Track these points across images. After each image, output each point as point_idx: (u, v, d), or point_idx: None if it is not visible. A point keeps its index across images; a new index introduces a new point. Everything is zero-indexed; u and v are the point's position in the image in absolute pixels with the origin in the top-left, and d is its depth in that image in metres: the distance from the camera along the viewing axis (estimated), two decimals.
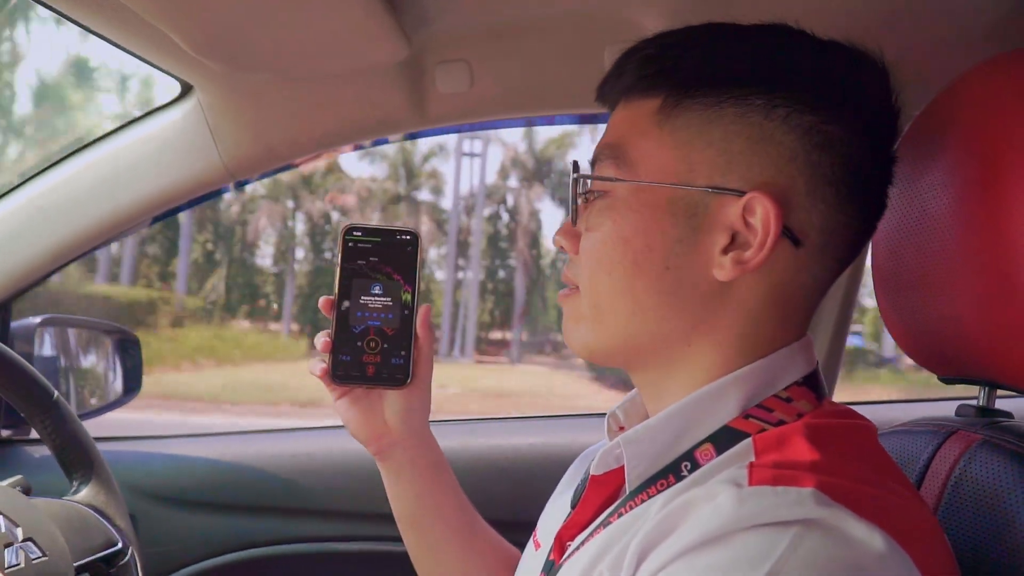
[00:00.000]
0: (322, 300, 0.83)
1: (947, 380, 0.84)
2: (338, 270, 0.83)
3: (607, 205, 0.69)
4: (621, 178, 0.69)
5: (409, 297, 0.84)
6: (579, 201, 0.72)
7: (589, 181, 0.72)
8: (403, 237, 0.84)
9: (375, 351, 0.83)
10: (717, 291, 0.67)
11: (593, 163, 0.73)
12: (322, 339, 0.83)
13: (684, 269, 0.67)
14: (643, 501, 0.65)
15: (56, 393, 1.04)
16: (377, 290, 0.84)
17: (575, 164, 0.71)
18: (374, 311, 0.84)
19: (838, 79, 0.67)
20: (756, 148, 0.65)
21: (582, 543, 0.69)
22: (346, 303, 0.83)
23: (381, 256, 0.84)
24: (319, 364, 0.83)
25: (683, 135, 0.67)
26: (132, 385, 1.61)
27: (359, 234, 0.84)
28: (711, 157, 0.66)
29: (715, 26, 0.71)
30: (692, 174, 0.66)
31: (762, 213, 0.64)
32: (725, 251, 0.66)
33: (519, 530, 0.96)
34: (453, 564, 0.93)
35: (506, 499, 1.38)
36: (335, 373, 0.82)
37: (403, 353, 0.84)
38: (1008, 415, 0.83)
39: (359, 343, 0.83)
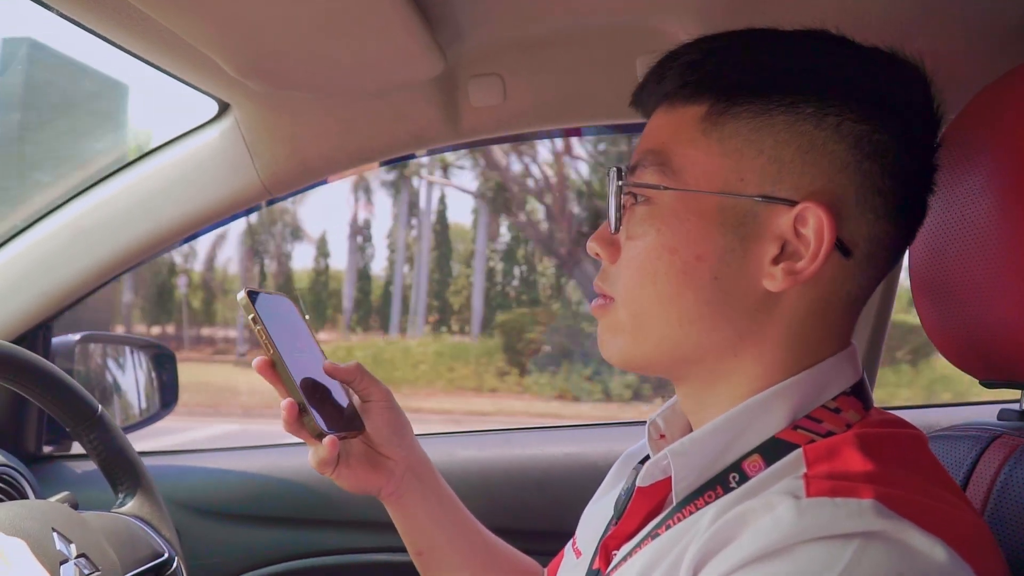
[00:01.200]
0: (256, 362, 0.80)
1: (988, 384, 0.84)
2: (264, 331, 0.80)
3: (651, 213, 0.68)
4: (670, 186, 0.67)
5: (317, 346, 0.86)
6: (620, 208, 0.71)
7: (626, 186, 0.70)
8: (281, 296, 0.86)
9: (330, 400, 0.83)
10: (765, 302, 0.66)
11: (633, 169, 0.71)
12: (286, 402, 0.79)
13: (733, 279, 0.66)
14: (691, 513, 0.65)
15: (100, 408, 1.06)
16: (300, 342, 0.84)
17: (619, 171, 0.70)
18: (312, 362, 0.84)
19: (885, 88, 0.66)
20: (807, 157, 0.64)
21: (630, 553, 0.69)
22: (287, 359, 0.80)
23: (283, 313, 0.84)
24: (303, 430, 0.80)
25: (732, 143, 0.66)
26: (169, 399, 1.63)
27: (259, 296, 0.82)
28: (762, 166, 0.65)
29: (757, 31, 0.70)
30: (742, 183, 0.65)
31: (815, 223, 0.64)
32: (775, 261, 0.65)
33: (556, 540, 0.96)
34: None
35: (542, 509, 1.38)
36: (330, 428, 0.80)
37: (344, 394, 0.85)
38: None
39: (318, 394, 0.81)
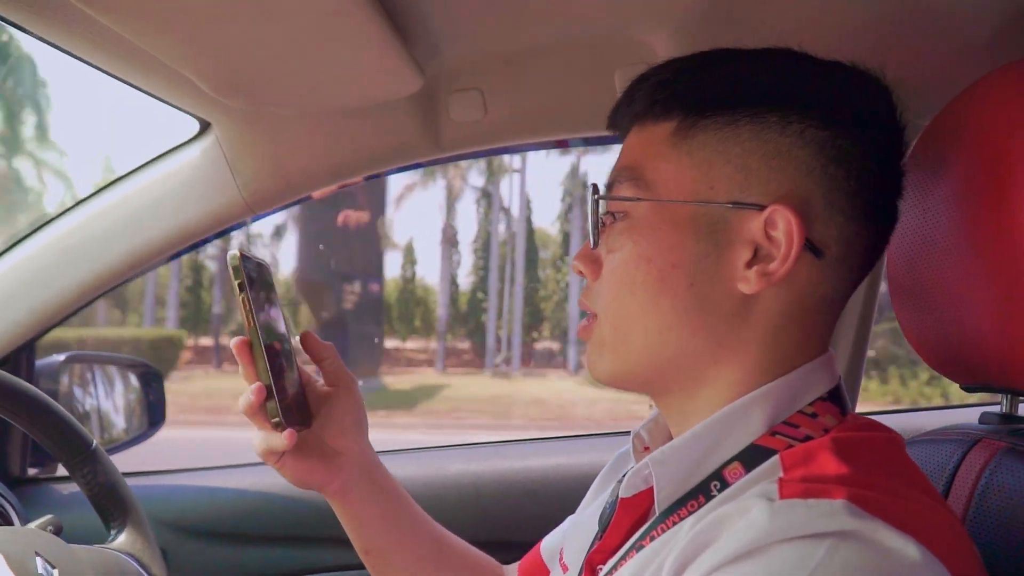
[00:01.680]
0: (235, 341, 0.76)
1: (969, 388, 0.84)
2: (247, 303, 0.74)
3: (628, 226, 0.70)
4: (642, 197, 0.70)
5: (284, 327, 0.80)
6: (599, 225, 0.73)
7: (606, 203, 0.72)
8: (263, 262, 0.79)
9: (296, 385, 0.79)
10: (741, 306, 0.67)
11: (609, 187, 0.73)
12: (256, 385, 0.75)
13: (708, 285, 0.67)
14: (675, 523, 0.66)
15: (95, 442, 1.05)
16: (277, 320, 0.78)
17: (595, 187, 0.72)
18: (281, 343, 0.77)
19: (845, 97, 0.68)
20: (773, 163, 0.66)
21: (615, 567, 0.69)
22: (264, 339, 0.74)
23: (264, 283, 0.78)
24: (261, 415, 0.76)
25: (701, 154, 0.68)
26: (156, 418, 1.62)
27: (249, 261, 0.76)
28: (730, 174, 0.67)
29: (723, 51, 0.72)
30: (712, 191, 0.67)
31: (784, 225, 0.65)
32: (749, 265, 0.67)
33: None
34: None
35: (534, 521, 1.38)
36: (287, 418, 0.75)
37: (299, 385, 0.80)
38: None
39: (282, 381, 0.76)
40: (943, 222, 0.77)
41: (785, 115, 0.66)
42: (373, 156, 1.29)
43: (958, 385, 0.85)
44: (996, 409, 0.85)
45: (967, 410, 1.47)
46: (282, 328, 0.80)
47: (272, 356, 0.75)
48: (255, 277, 0.76)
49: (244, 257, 0.75)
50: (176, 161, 1.30)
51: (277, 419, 0.74)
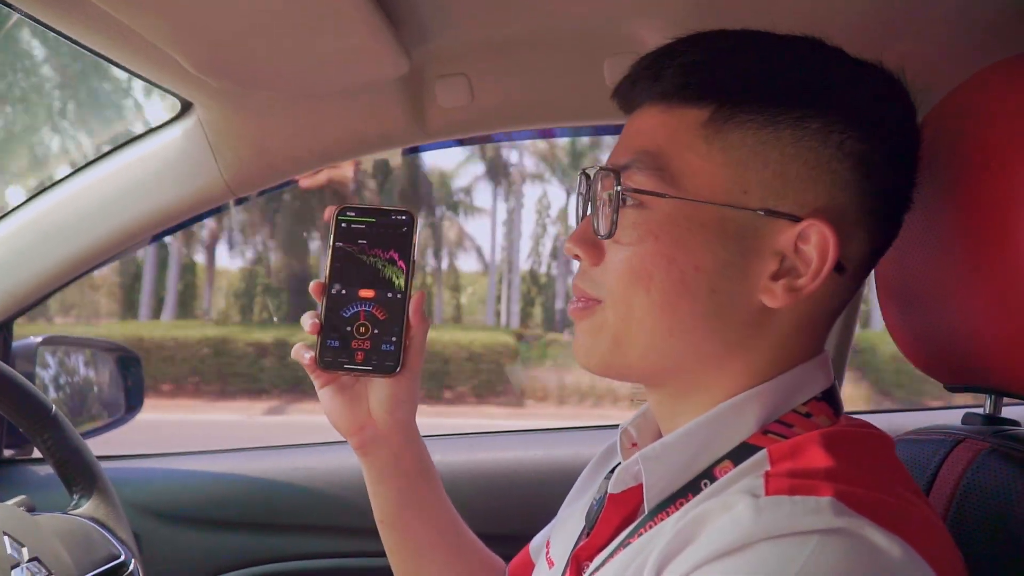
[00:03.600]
0: (313, 284, 0.80)
1: (953, 388, 0.84)
2: (330, 251, 0.80)
3: (646, 218, 0.66)
4: (670, 192, 0.65)
5: (403, 281, 0.80)
6: (607, 208, 0.68)
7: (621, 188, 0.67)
8: (398, 218, 0.81)
9: (364, 336, 0.79)
10: (759, 316, 0.66)
11: (625, 168, 0.68)
12: (310, 320, 0.79)
13: (730, 293, 0.65)
14: (662, 520, 0.65)
15: (54, 408, 1.04)
16: (369, 273, 0.80)
17: (613, 171, 0.67)
18: (365, 295, 0.80)
19: (882, 108, 0.66)
20: (812, 174, 0.64)
21: (603, 563, 0.68)
22: (337, 286, 0.80)
23: (375, 238, 0.80)
24: (305, 350, 0.79)
25: (737, 154, 0.64)
26: (134, 403, 1.61)
27: (352, 214, 0.81)
28: (767, 179, 0.64)
29: (756, 34, 0.69)
30: (746, 195, 0.64)
31: (818, 241, 0.63)
32: (774, 277, 0.64)
33: (525, 544, 0.95)
34: (437, 569, 0.91)
35: (513, 513, 1.37)
36: (322, 359, 0.79)
37: (394, 340, 0.79)
38: (1015, 423, 0.83)
39: (348, 328, 0.79)
40: (931, 223, 0.77)
41: (828, 123, 0.64)
42: (358, 140, 1.28)
43: (942, 385, 0.85)
44: (980, 410, 0.85)
45: (950, 412, 1.47)
46: (373, 279, 0.81)
47: (339, 301, 0.80)
48: (357, 229, 0.81)
49: (344, 209, 0.81)
50: (156, 142, 1.28)
51: (311, 353, 0.80)
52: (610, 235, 0.67)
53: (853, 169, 0.64)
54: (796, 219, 0.64)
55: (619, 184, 0.67)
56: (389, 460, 0.85)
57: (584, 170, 0.73)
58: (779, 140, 0.64)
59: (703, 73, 0.66)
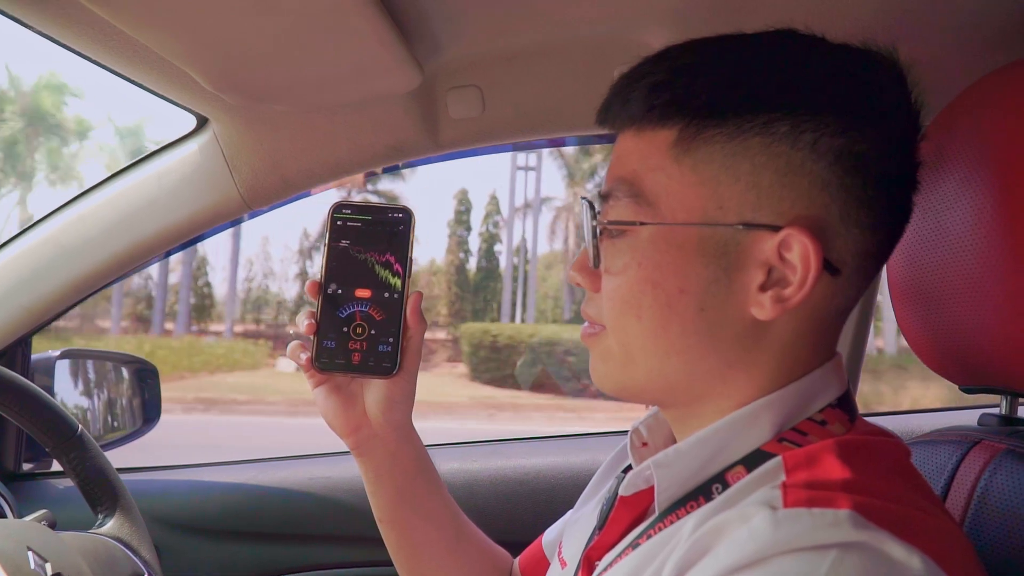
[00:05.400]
0: (309, 283, 0.79)
1: (968, 390, 0.84)
2: (325, 250, 0.79)
3: (629, 245, 0.66)
4: (646, 219, 0.65)
5: (399, 282, 0.79)
6: (596, 238, 0.69)
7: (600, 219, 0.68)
8: (395, 216, 0.80)
9: (361, 337, 0.79)
10: (753, 329, 0.65)
11: (606, 197, 0.69)
12: (306, 321, 0.79)
13: (719, 309, 0.64)
14: (672, 522, 0.65)
15: (80, 427, 1.05)
16: (366, 273, 0.79)
17: (590, 204, 0.68)
18: (362, 295, 0.79)
19: (861, 93, 0.64)
20: (786, 180, 0.62)
21: (612, 563, 0.69)
22: (333, 286, 0.79)
23: (371, 236, 0.80)
24: (300, 351, 0.79)
25: (707, 170, 0.64)
26: (151, 415, 1.62)
27: (349, 212, 0.80)
28: (740, 193, 0.63)
29: (723, 43, 0.67)
30: (721, 211, 0.63)
31: (800, 249, 0.62)
32: (763, 288, 0.64)
33: None
34: (437, 567, 0.91)
35: (529, 519, 1.38)
36: (319, 360, 0.79)
37: (391, 340, 0.79)
38: None
39: (345, 328, 0.79)
40: (945, 223, 0.77)
41: (796, 124, 0.62)
42: (371, 153, 1.28)
43: (957, 386, 0.85)
44: (996, 411, 0.85)
45: (964, 412, 1.47)
46: (370, 278, 0.80)
47: (335, 301, 0.79)
48: (353, 227, 0.80)
49: (340, 206, 0.80)
50: (173, 157, 1.29)
51: (307, 354, 0.79)
52: (597, 266, 0.69)
53: (831, 166, 0.62)
54: (775, 228, 0.62)
55: (595, 217, 0.68)
56: (385, 460, 0.86)
57: (583, 197, 0.73)
58: (748, 150, 0.62)
59: (666, 93, 0.65)
